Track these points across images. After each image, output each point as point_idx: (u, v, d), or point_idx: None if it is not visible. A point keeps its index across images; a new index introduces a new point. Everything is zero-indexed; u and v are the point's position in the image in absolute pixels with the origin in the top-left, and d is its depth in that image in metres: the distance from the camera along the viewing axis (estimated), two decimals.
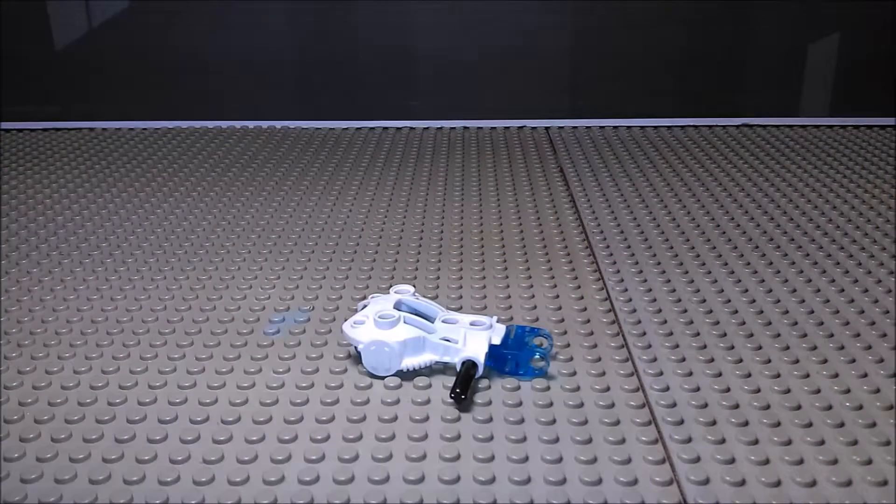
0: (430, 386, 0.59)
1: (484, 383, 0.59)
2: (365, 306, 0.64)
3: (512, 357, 0.60)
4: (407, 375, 0.60)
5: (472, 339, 0.60)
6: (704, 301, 0.71)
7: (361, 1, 1.28)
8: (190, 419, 0.55)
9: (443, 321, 0.63)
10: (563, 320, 0.68)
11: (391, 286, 0.68)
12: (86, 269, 0.79)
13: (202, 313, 0.70)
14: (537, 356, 0.60)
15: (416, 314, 0.62)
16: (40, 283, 0.76)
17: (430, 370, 0.61)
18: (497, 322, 0.63)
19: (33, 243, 0.85)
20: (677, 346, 0.64)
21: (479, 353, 0.59)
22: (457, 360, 0.59)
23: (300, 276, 0.77)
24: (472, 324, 0.62)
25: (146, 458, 0.51)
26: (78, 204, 0.97)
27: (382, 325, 0.60)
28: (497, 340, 0.60)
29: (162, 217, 0.93)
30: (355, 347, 0.61)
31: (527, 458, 0.51)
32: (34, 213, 0.94)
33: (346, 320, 0.62)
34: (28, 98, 1.33)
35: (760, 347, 0.63)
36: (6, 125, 1.32)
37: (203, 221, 0.91)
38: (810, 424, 0.54)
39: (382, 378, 0.60)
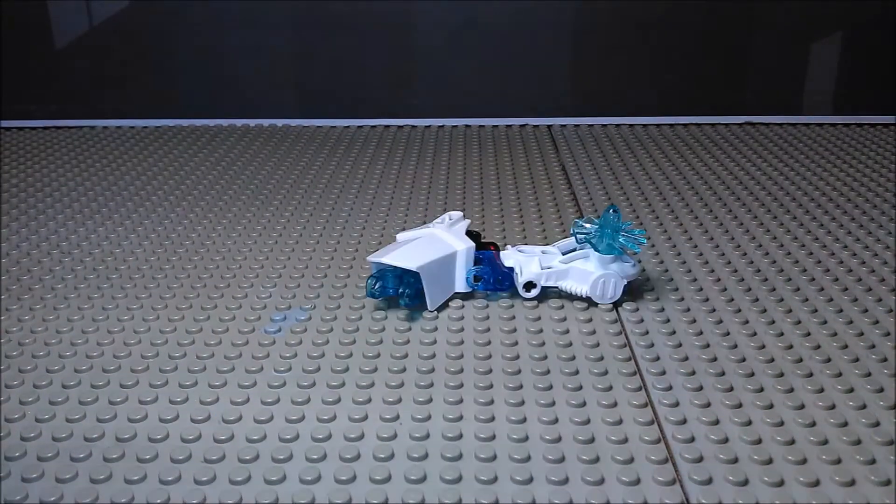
0: (431, 385, 0.58)
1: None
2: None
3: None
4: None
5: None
6: (707, 300, 0.71)
7: (363, 1, 1.28)
8: (191, 418, 0.55)
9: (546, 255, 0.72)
10: (566, 321, 0.68)
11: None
12: (87, 267, 0.79)
13: (203, 311, 0.70)
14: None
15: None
16: (41, 282, 0.76)
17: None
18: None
19: (34, 242, 0.85)
20: (680, 344, 0.63)
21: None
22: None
23: (301, 274, 0.77)
24: (542, 252, 0.72)
25: (147, 457, 0.51)
26: (78, 202, 0.97)
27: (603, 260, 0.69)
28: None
29: (163, 215, 0.92)
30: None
31: (529, 458, 0.51)
32: (35, 210, 0.94)
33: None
34: (28, 96, 1.33)
35: (763, 346, 0.63)
36: (6, 123, 1.32)
37: (204, 220, 0.91)
38: (814, 424, 0.54)
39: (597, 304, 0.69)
